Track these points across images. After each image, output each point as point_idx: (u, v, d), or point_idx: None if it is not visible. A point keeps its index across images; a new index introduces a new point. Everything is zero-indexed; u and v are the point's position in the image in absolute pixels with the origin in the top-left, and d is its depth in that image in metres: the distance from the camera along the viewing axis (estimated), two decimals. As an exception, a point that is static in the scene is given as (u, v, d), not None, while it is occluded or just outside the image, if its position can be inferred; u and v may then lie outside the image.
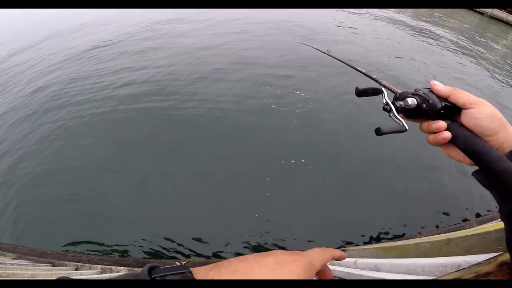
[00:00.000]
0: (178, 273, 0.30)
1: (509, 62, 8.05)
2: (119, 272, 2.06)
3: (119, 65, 6.26)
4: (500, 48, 9.67)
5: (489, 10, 22.23)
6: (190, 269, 0.32)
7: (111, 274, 2.05)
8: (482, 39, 10.06)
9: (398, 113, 0.54)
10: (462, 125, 0.49)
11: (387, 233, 2.99)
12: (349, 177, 3.58)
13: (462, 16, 14.05)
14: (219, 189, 3.37)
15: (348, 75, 5.48)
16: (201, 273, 0.31)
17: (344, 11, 11.01)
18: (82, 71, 6.17)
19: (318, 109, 4.68)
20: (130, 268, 2.09)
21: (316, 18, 9.96)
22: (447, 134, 0.49)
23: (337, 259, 0.45)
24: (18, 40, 9.18)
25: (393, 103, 0.55)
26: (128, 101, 4.91)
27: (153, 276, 0.29)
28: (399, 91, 0.59)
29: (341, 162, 3.78)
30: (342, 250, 2.00)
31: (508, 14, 21.74)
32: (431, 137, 0.52)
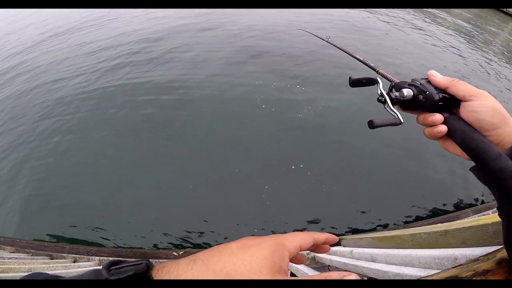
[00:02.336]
0: (132, 265, 0.28)
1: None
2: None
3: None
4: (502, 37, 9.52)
5: None
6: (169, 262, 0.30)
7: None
8: (483, 29, 9.92)
9: (393, 105, 0.51)
10: (461, 119, 0.47)
11: (383, 222, 3.02)
12: (345, 168, 3.59)
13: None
14: (218, 194, 3.33)
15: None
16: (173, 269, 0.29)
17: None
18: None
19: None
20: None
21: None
22: (443, 128, 0.47)
23: (324, 243, 0.38)
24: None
25: (388, 94, 0.52)
26: (140, 92, 4.81)
27: (110, 270, 0.28)
28: (397, 81, 0.55)
29: (336, 153, 3.77)
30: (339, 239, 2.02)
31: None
32: (427, 130, 0.50)
